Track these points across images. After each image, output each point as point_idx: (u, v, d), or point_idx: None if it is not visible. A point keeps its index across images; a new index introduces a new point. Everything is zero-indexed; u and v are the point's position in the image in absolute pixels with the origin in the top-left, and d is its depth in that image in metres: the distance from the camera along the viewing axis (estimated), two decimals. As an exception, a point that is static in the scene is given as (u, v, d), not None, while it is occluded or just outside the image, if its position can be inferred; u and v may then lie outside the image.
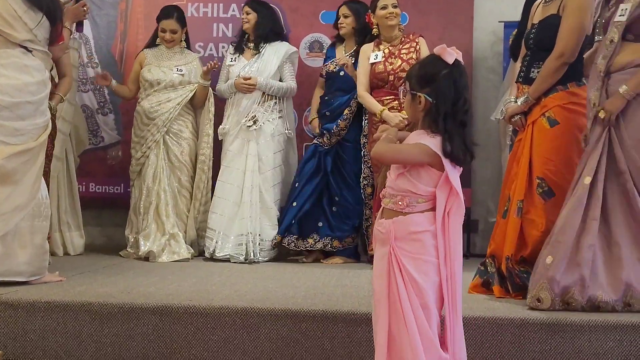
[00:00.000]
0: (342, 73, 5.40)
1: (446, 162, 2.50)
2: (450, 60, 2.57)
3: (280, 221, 5.41)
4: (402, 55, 5.15)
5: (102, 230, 6.25)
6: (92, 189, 6.08)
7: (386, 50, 5.19)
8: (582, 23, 3.74)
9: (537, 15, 3.99)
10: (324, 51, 5.78)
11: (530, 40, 3.97)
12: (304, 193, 5.36)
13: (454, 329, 2.55)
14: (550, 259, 3.44)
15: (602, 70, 3.54)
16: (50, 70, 4.21)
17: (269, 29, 5.54)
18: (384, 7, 5.15)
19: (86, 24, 5.84)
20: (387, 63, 5.15)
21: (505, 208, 3.93)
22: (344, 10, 5.48)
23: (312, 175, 5.39)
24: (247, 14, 5.54)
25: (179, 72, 5.54)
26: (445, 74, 2.55)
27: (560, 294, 3.42)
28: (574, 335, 3.20)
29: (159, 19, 5.58)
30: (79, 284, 3.99)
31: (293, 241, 5.35)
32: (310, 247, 5.39)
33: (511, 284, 3.79)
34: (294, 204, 5.37)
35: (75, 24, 4.85)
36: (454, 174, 2.52)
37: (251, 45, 5.57)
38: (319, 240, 5.38)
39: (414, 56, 5.12)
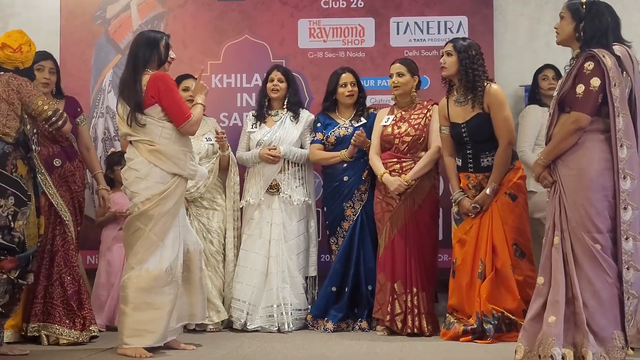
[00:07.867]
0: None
1: None
2: None
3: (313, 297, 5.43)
4: (410, 120, 5.18)
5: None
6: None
7: (398, 115, 5.24)
8: (509, 113, 4.75)
9: (457, 115, 4.83)
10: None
11: (464, 136, 4.80)
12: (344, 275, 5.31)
13: None
14: (552, 318, 3.67)
15: (546, 140, 3.97)
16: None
17: (298, 99, 5.63)
18: (391, 76, 5.22)
19: (113, 97, 5.97)
20: (395, 127, 5.18)
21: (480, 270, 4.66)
22: (350, 78, 5.48)
23: (348, 252, 5.33)
24: (280, 82, 5.56)
25: (209, 142, 5.51)
26: None
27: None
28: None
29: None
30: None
31: (323, 325, 5.22)
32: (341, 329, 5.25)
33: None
34: (333, 288, 5.32)
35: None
36: None
37: (273, 112, 5.61)
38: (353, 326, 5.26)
39: (423, 122, 5.13)
